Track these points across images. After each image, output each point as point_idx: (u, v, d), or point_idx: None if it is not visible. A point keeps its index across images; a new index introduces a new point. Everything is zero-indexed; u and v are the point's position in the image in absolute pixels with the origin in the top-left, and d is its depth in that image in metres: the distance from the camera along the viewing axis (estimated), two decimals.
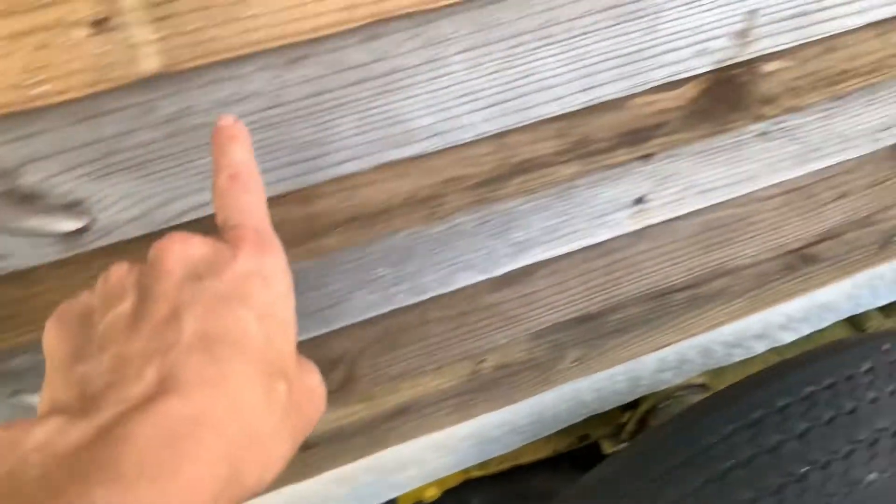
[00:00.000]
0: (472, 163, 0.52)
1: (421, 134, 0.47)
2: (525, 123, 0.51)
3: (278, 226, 0.46)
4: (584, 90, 0.50)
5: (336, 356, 0.64)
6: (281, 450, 0.29)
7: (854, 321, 1.17)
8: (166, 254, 0.29)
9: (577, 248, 0.66)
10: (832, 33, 0.57)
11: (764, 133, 0.64)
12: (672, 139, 0.59)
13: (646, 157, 0.61)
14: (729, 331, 0.93)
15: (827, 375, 0.71)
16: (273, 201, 0.47)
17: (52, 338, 0.29)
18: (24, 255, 0.42)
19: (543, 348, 0.77)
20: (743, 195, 0.70)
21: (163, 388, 0.25)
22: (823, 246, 0.83)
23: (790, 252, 0.82)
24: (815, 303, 0.98)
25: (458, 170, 0.52)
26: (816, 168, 0.71)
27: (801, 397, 0.70)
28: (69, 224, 0.41)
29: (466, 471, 1.02)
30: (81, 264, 0.44)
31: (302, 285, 0.55)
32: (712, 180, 0.66)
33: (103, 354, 0.27)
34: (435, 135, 0.47)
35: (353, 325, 0.62)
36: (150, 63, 0.37)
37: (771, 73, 0.58)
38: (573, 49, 0.48)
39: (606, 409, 0.97)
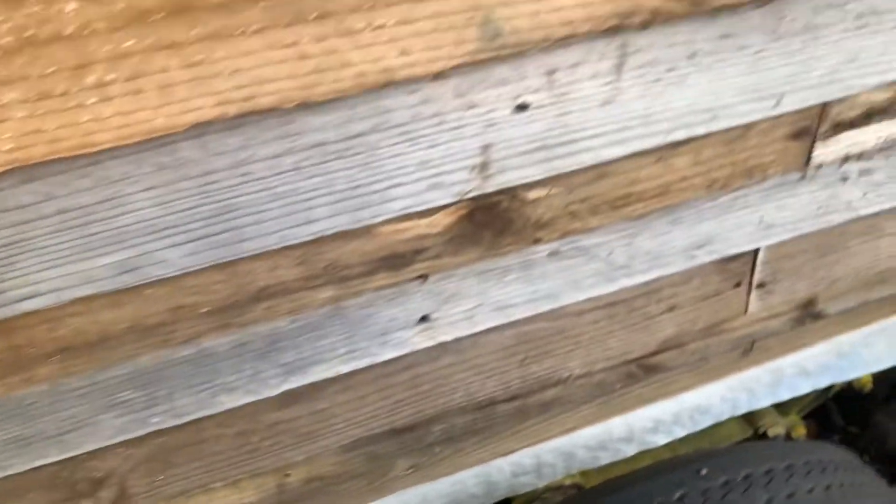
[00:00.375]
0: (199, 291, 0.50)
1: (110, 270, 0.45)
2: (252, 254, 0.49)
3: None
4: (306, 223, 0.48)
5: (101, 475, 0.61)
6: None
7: (748, 418, 1.14)
8: None
9: (366, 365, 0.64)
10: (597, 162, 0.55)
11: (556, 253, 0.62)
12: (440, 262, 0.57)
13: (420, 278, 0.59)
14: (587, 435, 0.90)
15: (637, 503, 0.68)
16: None
17: None
18: None
19: (359, 460, 0.74)
20: (550, 311, 0.68)
21: None
22: (666, 356, 0.81)
23: (628, 362, 0.79)
24: (685, 406, 0.95)
25: (184, 298, 0.50)
26: (629, 284, 0.69)
27: None
28: None
29: None
30: None
31: (32, 412, 0.53)
32: (507, 298, 0.64)
33: None
34: (128, 270, 0.45)
35: (114, 446, 0.59)
36: None
37: (537, 200, 0.56)
38: (280, 185, 0.46)
39: None
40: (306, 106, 0.43)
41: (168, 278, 0.48)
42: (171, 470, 0.64)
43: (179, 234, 0.45)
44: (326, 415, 0.67)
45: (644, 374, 0.82)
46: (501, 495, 0.95)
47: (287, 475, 0.71)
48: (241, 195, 0.46)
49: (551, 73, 0.48)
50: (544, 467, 0.93)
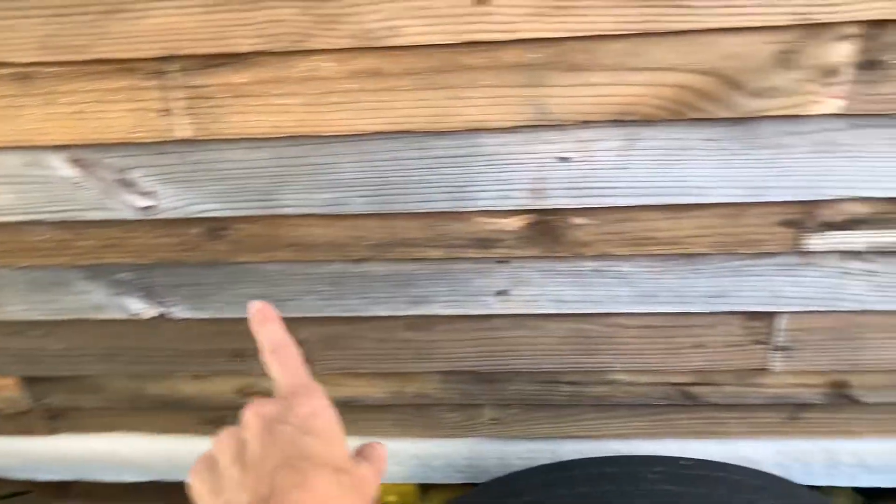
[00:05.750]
0: (366, 229, 0.90)
1: (326, 202, 0.86)
2: (397, 212, 0.88)
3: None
4: (428, 202, 0.86)
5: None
6: None
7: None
8: (248, 415, 0.46)
9: (463, 314, 0.98)
10: (619, 206, 0.86)
11: (598, 270, 0.93)
12: (514, 252, 0.91)
13: (501, 261, 0.93)
14: (643, 449, 1.13)
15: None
16: None
17: (197, 484, 0.45)
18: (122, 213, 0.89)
19: (454, 393, 1.08)
20: (598, 315, 0.97)
21: (273, 496, 0.40)
22: (702, 389, 1.04)
23: (667, 384, 1.04)
24: (738, 454, 1.13)
25: (358, 231, 0.90)
26: (659, 311, 0.96)
27: None
28: (144, 202, 0.87)
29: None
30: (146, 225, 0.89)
31: (271, 279, 0.96)
32: (561, 294, 0.95)
33: (234, 489, 0.42)
34: (334, 205, 0.86)
35: (306, 320, 1.00)
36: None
37: (579, 225, 0.88)
38: (416, 175, 0.84)
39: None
40: (435, 133, 0.81)
41: (351, 215, 0.88)
42: (334, 351, 1.03)
43: (363, 190, 0.85)
44: (435, 344, 1.02)
45: (683, 398, 1.05)
46: None
47: (404, 385, 1.07)
48: (393, 175, 0.84)
49: (582, 141, 0.81)
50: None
